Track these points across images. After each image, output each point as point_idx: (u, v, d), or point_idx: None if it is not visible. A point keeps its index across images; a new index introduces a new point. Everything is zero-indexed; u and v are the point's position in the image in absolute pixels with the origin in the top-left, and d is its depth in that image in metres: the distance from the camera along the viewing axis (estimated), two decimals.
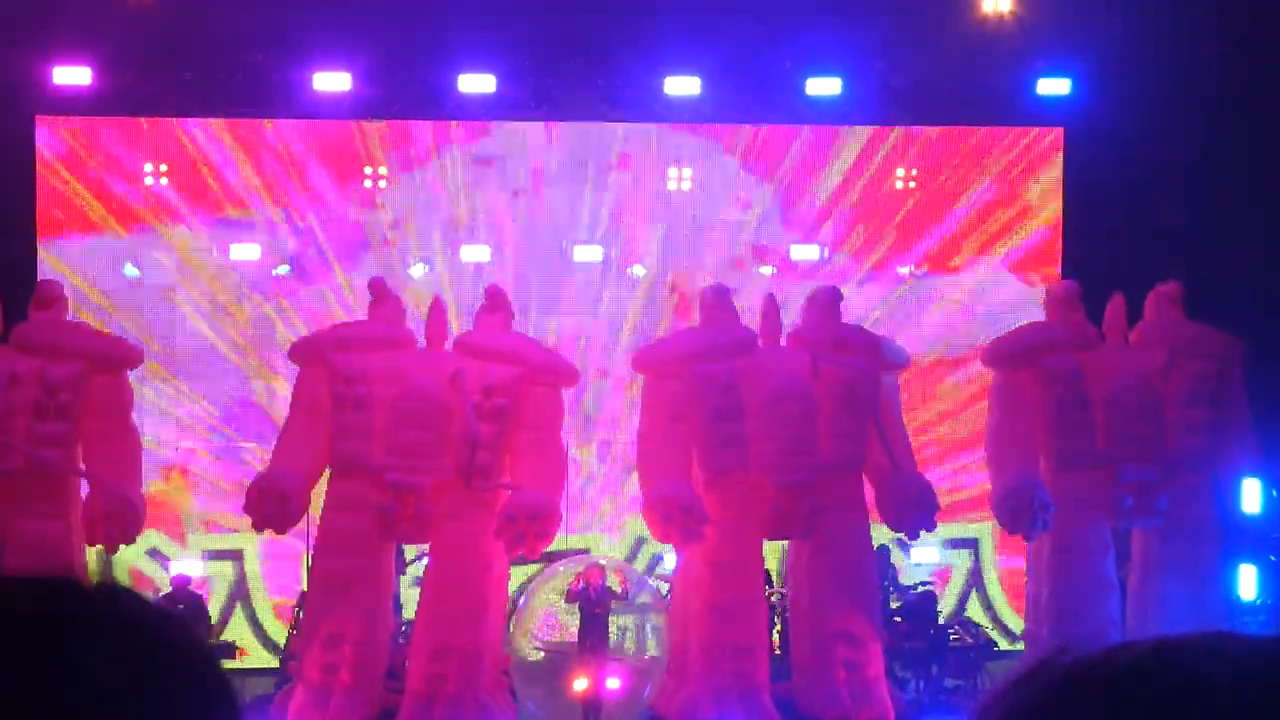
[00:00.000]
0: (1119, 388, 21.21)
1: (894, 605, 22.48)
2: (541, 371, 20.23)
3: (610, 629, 19.86)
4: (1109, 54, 21.87)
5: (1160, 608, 21.33)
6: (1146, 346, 21.59)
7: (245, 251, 24.43)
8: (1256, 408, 21.22)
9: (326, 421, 19.87)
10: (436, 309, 20.70)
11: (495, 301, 20.57)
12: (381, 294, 20.44)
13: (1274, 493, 21.11)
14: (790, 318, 21.44)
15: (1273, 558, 21.25)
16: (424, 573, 20.61)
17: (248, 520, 19.65)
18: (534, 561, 19.88)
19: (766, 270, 25.10)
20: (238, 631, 23.89)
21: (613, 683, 19.64)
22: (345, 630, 19.36)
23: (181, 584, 22.18)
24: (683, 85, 22.32)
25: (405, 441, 19.56)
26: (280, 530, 19.53)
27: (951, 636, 22.91)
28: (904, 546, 23.56)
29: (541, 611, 20.19)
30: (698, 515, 19.34)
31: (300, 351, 20.63)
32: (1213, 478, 21.36)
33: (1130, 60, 21.63)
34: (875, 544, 21.34)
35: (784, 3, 22.12)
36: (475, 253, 24.68)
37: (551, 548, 20.05)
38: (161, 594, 22.38)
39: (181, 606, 21.69)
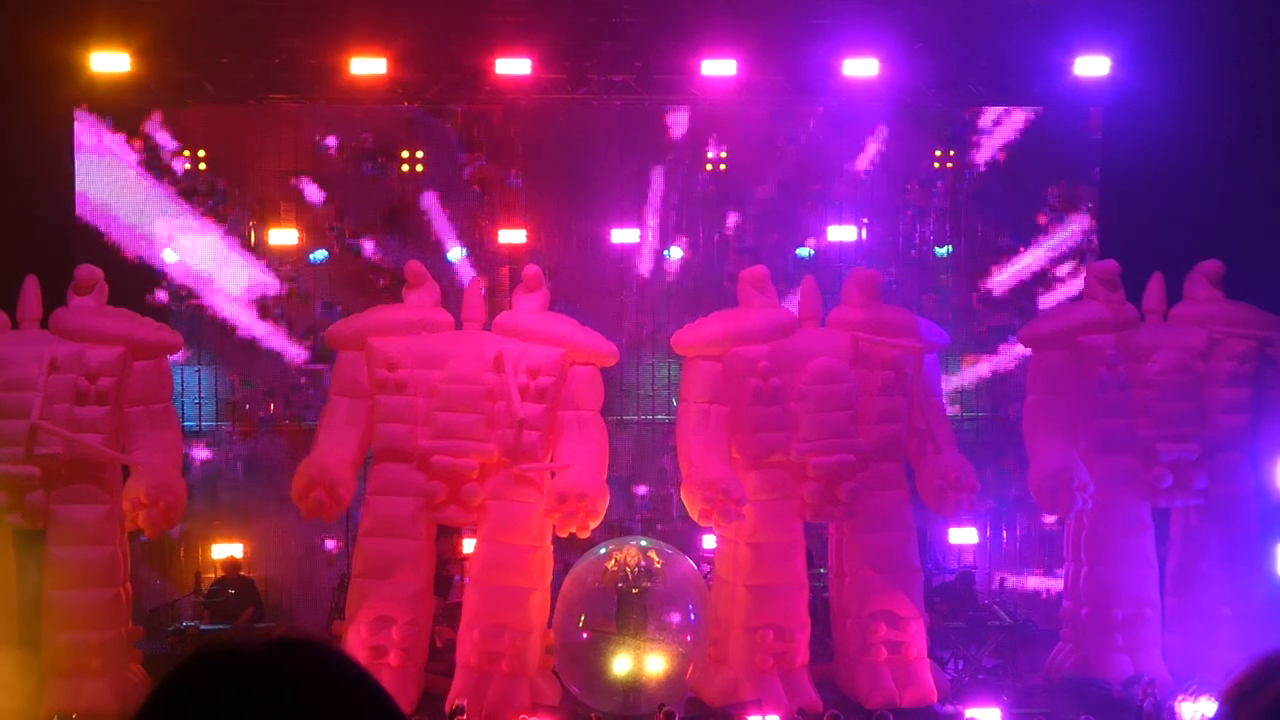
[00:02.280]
0: (1158, 367, 20.88)
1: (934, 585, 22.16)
2: (582, 352, 20.00)
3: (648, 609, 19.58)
4: (1146, 34, 21.35)
5: (1199, 587, 21.01)
6: (1186, 325, 21.20)
7: (283, 236, 24.11)
8: None
9: (367, 404, 19.69)
10: (473, 291, 20.51)
11: (533, 282, 20.28)
12: (418, 278, 20.20)
13: None
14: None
15: None
16: (472, 551, 20.34)
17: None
18: (584, 539, 19.50)
19: (805, 252, 24.80)
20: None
21: (654, 663, 19.31)
22: (393, 613, 19.24)
23: (233, 566, 22.11)
24: (719, 67, 21.81)
25: (450, 424, 19.41)
26: (330, 518, 19.23)
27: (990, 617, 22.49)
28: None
29: (586, 593, 19.79)
30: (737, 497, 19.01)
31: (339, 336, 20.34)
32: (1251, 457, 20.96)
33: (1168, 39, 21.11)
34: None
35: None
36: (511, 235, 24.29)
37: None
38: (215, 578, 22.21)
39: (233, 590, 21.57)
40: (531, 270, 20.57)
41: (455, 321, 20.17)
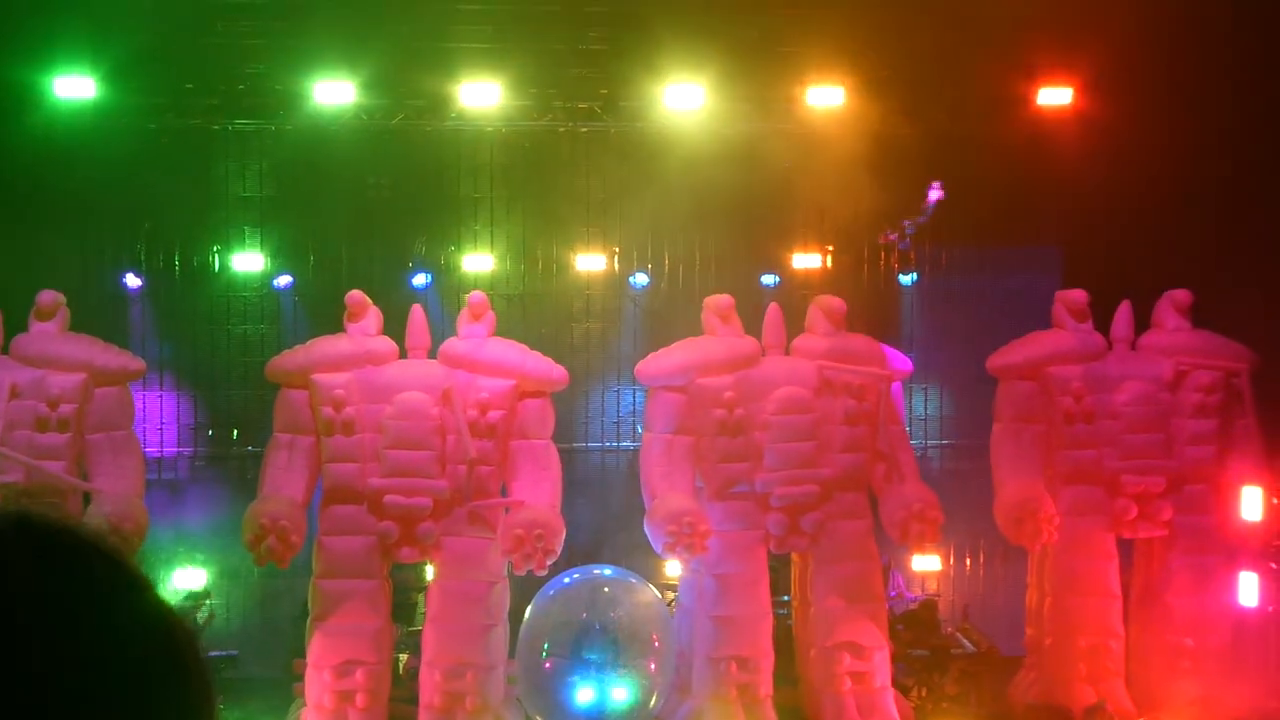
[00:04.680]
0: (1125, 398, 20.74)
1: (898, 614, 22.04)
2: (532, 380, 19.64)
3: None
4: (1110, 63, 21.21)
5: (1163, 617, 20.94)
6: (1153, 355, 21.04)
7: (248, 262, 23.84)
8: (1262, 416, 20.69)
9: (312, 440, 19.35)
10: (416, 317, 19.99)
11: (478, 309, 19.93)
12: (360, 307, 19.70)
13: (1275, 500, 20.52)
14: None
15: (1274, 565, 20.67)
16: (429, 588, 20.00)
17: None
18: (541, 575, 19.23)
19: (768, 279, 24.64)
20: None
21: (619, 694, 19.23)
22: (357, 655, 18.97)
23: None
24: (685, 94, 21.57)
25: (400, 462, 19.06)
26: (283, 565, 18.83)
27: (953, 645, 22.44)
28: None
29: (550, 623, 19.59)
30: (700, 529, 18.77)
31: (280, 371, 19.77)
32: (1217, 488, 20.85)
33: (1132, 68, 20.96)
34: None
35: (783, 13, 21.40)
36: (477, 262, 24.07)
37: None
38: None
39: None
40: (476, 297, 20.25)
41: (400, 351, 19.73)
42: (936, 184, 24.22)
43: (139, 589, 1.82)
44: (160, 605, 1.83)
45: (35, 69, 20.68)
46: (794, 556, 20.79)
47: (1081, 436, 20.74)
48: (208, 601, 21.95)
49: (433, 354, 19.83)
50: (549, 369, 19.78)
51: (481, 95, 21.74)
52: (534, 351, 19.91)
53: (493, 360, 19.53)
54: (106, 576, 1.79)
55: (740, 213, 23.60)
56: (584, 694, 19.19)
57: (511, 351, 19.74)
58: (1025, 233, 23.28)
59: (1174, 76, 20.79)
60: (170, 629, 1.81)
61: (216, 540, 22.40)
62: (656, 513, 19.05)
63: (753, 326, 20.43)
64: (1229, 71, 20.96)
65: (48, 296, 19.62)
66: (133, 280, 23.87)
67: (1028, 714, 20.78)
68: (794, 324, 20.83)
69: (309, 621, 19.27)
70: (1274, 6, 20.55)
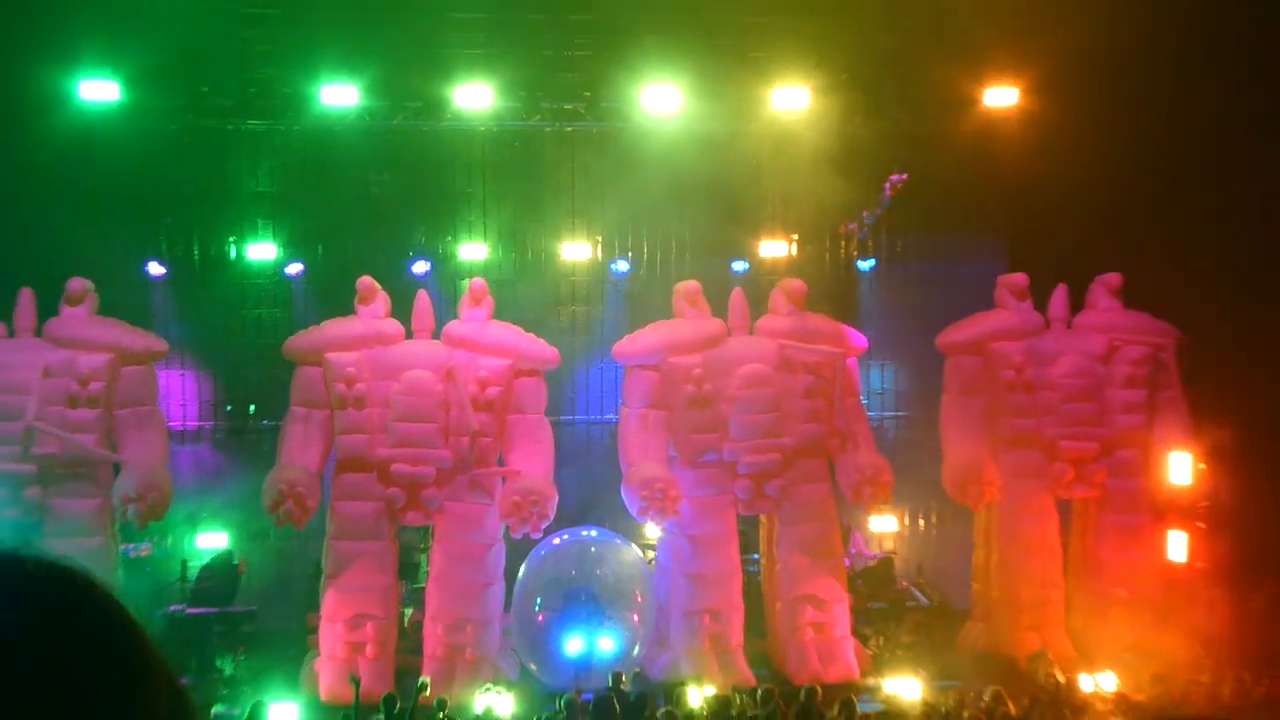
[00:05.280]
0: (1062, 371, 21.32)
1: (855, 570, 22.34)
2: (527, 359, 20.15)
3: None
4: (1053, 67, 21.53)
5: (1098, 571, 21.46)
6: (1087, 333, 21.62)
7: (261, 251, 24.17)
8: (1187, 388, 21.11)
9: (326, 414, 19.84)
10: (421, 303, 20.50)
11: (478, 294, 20.42)
12: (370, 291, 20.20)
13: (1201, 465, 20.89)
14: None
15: (1199, 524, 21.02)
16: (432, 549, 20.43)
17: None
18: (536, 538, 19.62)
19: (738, 265, 24.89)
20: None
21: (605, 645, 19.58)
22: (367, 610, 19.45)
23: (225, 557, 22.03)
24: (661, 96, 21.89)
25: (407, 433, 19.58)
26: (300, 526, 19.30)
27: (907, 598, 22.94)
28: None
29: (542, 581, 20.00)
30: (671, 494, 19.32)
31: (296, 350, 20.29)
32: (1147, 453, 21.32)
33: (1072, 72, 21.27)
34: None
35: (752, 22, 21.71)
36: (472, 250, 24.35)
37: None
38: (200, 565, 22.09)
39: (215, 579, 21.50)
40: (477, 283, 20.76)
41: (406, 332, 20.13)
42: (897, 176, 24.53)
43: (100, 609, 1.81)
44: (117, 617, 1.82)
45: (63, 74, 20.96)
46: (761, 518, 21.25)
47: (1022, 406, 21.22)
48: (236, 556, 22.24)
49: (435, 335, 20.26)
50: (543, 349, 20.30)
51: (474, 97, 22.08)
52: (529, 334, 20.28)
53: (492, 341, 20.03)
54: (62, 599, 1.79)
55: (712, 205, 23.79)
56: (573, 645, 19.49)
57: (509, 333, 20.26)
58: (972, 222, 23.58)
59: (1109, 80, 21.27)
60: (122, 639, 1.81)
61: (236, 505, 22.69)
62: (632, 479, 19.62)
63: (720, 309, 20.87)
64: (1158, 75, 21.30)
65: (77, 284, 20.03)
66: (155, 268, 24.04)
67: (976, 661, 21.09)
68: (763, 306, 21.22)
69: (323, 579, 19.82)
70: (1198, 13, 20.87)
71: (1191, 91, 21.57)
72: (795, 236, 25.20)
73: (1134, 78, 21.37)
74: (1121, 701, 17.58)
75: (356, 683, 16.99)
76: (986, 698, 16.76)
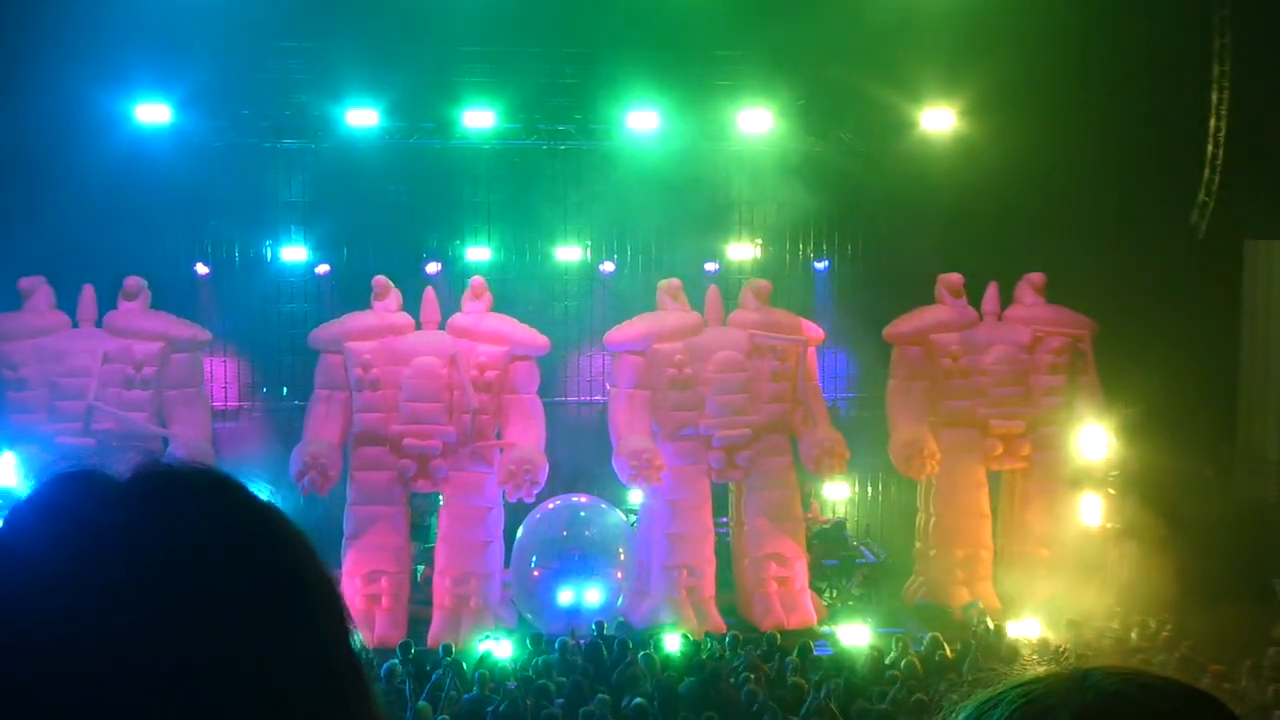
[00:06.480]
0: (992, 359, 22.08)
1: (813, 531, 22.53)
2: (520, 345, 20.85)
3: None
4: (982, 91, 21.84)
5: (1023, 533, 22.21)
6: (1015, 325, 22.27)
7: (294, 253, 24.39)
8: (1101, 372, 21.44)
9: (346, 395, 20.62)
10: (429, 298, 21.29)
11: (478, 290, 21.14)
12: (384, 288, 20.90)
13: (1112, 440, 21.13)
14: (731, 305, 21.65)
15: (1111, 491, 21.27)
16: (439, 512, 21.07)
17: None
18: (529, 502, 19.91)
19: (710, 266, 25.04)
20: None
21: (592, 596, 19.94)
22: (382, 566, 20.22)
23: None
24: (644, 118, 22.19)
25: (417, 412, 20.47)
26: (323, 494, 19.97)
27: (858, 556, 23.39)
28: None
29: (538, 540, 20.34)
30: (656, 464, 20.13)
31: (320, 339, 20.80)
32: (1066, 429, 21.78)
33: (1000, 97, 21.59)
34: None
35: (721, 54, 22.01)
36: (477, 253, 24.56)
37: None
38: None
39: None
40: (477, 280, 21.53)
41: (416, 323, 20.66)
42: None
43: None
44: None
45: (121, 99, 21.57)
46: (731, 485, 22.04)
47: (958, 390, 22.13)
48: None
49: (442, 326, 20.63)
50: (534, 337, 20.98)
51: (480, 119, 23.05)
52: (523, 324, 20.56)
53: (490, 330, 20.83)
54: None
55: (687, 213, 24.33)
56: (565, 595, 20.07)
57: (505, 324, 21.01)
58: (914, 228, 23.72)
59: (1031, 103, 21.99)
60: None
61: (269, 474, 22.76)
62: (621, 451, 20.60)
63: (697, 303, 21.27)
64: (1072, 99, 21.68)
65: (133, 281, 21.02)
66: (201, 268, 24.44)
67: (917, 611, 21.99)
68: (731, 301, 21.45)
69: (344, 539, 20.37)
70: (1109, 38, 21.20)
71: (1103, 113, 21.99)
72: (759, 241, 25.36)
73: (1052, 101, 22.03)
74: (1043, 646, 17.73)
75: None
76: (926, 643, 17.03)
